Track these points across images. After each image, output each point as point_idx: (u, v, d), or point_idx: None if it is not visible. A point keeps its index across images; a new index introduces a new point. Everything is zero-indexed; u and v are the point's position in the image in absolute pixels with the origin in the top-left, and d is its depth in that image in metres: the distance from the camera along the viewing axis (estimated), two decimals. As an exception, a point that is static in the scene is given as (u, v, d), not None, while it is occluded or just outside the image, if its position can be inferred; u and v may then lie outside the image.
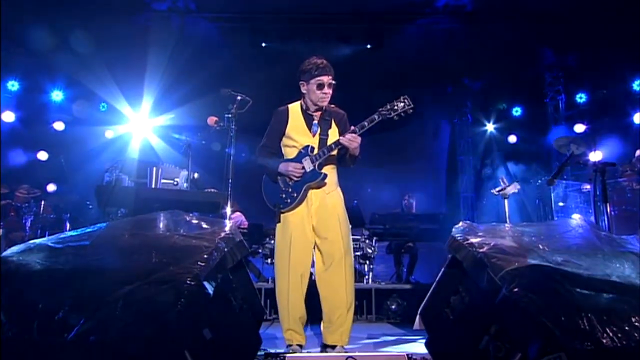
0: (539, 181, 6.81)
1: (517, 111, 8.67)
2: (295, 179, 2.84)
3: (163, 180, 4.07)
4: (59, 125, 8.03)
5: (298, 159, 2.88)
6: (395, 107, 2.82)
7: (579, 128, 7.65)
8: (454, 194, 9.23)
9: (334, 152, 2.90)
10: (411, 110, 2.83)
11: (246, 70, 7.57)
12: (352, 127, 2.83)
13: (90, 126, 8.10)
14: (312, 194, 2.89)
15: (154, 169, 4.07)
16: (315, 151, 2.88)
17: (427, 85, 7.86)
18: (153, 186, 4.03)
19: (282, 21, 7.59)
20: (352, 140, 2.78)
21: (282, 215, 2.88)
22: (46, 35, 6.71)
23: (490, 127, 8.73)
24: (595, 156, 5.56)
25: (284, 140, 2.98)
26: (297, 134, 2.94)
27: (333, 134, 2.94)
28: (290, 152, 2.95)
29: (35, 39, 6.68)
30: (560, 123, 8.10)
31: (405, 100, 2.83)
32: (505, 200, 4.85)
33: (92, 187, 3.72)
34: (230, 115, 3.32)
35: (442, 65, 7.72)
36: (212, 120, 3.50)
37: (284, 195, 2.88)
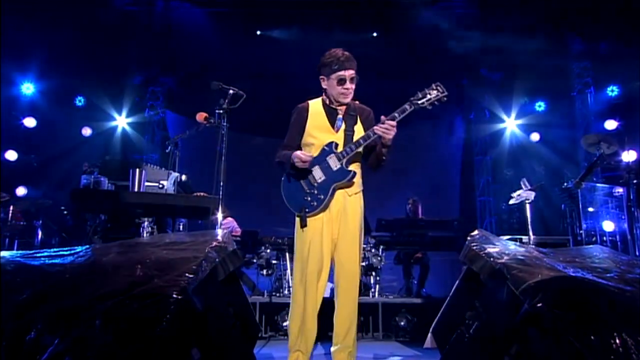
0: (565, 184, 6.80)
1: (540, 106, 8.66)
2: (302, 165, 2.83)
3: (147, 183, 4.07)
4: (29, 122, 8.04)
5: (322, 157, 2.88)
6: (428, 96, 2.81)
7: (610, 125, 7.64)
8: (470, 198, 9.21)
9: (360, 150, 2.90)
10: (445, 99, 2.83)
11: (239, 61, 7.58)
12: (383, 117, 2.80)
13: (65, 123, 8.11)
14: (335, 194, 2.90)
15: (137, 170, 4.07)
16: (340, 148, 2.89)
17: (439, 76, 7.86)
18: (136, 189, 4.03)
19: (279, 6, 7.60)
20: (389, 129, 2.76)
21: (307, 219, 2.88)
22: (14, 20, 6.70)
23: (510, 123, 8.71)
24: (629, 156, 5.52)
25: (305, 139, 2.98)
26: (319, 130, 2.95)
27: (358, 131, 2.95)
28: (311, 151, 2.95)
29: (1, 25, 6.68)
30: (589, 119, 8.09)
31: (439, 88, 2.83)
32: (527, 206, 4.86)
33: (68, 191, 3.73)
34: (221, 111, 3.33)
35: (457, 55, 7.71)
36: (201, 116, 3.51)
37: (309, 198, 2.88)
